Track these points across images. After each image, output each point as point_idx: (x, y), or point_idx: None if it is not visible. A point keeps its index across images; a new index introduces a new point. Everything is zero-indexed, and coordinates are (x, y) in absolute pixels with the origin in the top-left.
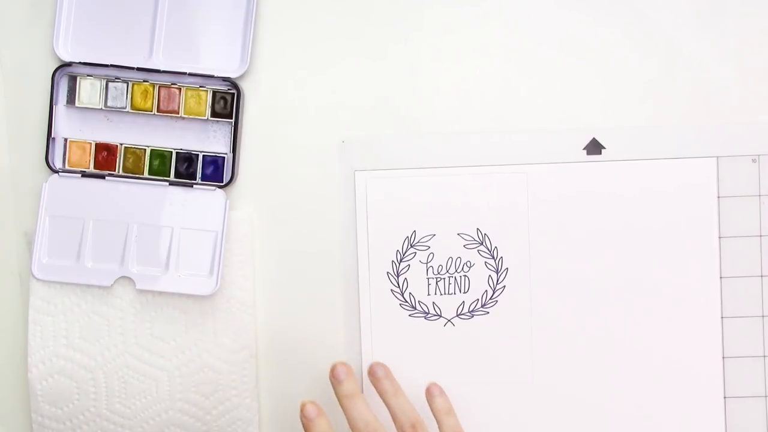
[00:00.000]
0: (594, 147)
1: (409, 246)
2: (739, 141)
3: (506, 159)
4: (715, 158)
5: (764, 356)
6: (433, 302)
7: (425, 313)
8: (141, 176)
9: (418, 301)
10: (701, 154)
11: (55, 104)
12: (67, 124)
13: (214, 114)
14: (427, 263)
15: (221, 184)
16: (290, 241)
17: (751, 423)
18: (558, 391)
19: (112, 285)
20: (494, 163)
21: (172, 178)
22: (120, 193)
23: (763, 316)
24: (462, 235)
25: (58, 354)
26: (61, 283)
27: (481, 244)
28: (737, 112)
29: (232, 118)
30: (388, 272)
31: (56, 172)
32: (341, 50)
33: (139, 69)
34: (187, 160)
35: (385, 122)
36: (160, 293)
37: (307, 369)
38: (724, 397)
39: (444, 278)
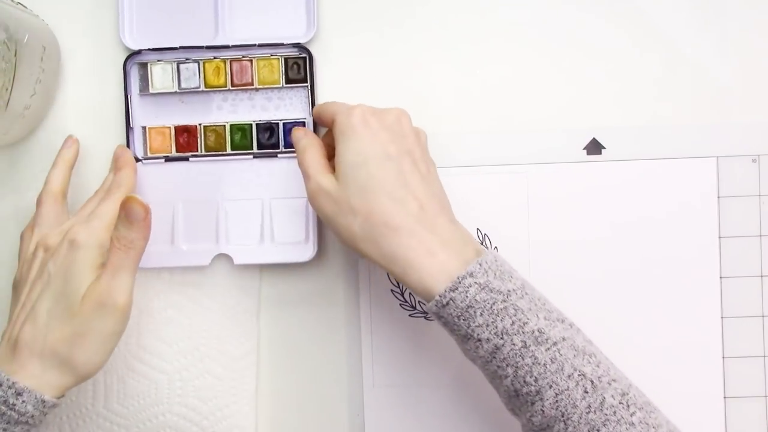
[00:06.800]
0: (594, 147)
1: None
2: (739, 141)
3: (506, 159)
4: (715, 158)
5: (764, 356)
6: None
7: (425, 313)
8: (224, 153)
9: (418, 301)
10: (701, 154)
11: (130, 94)
12: (142, 112)
13: (288, 81)
14: None
15: None
16: None
17: (751, 423)
18: None
19: (210, 263)
20: (494, 163)
21: (255, 150)
22: (205, 172)
23: (763, 316)
24: None
25: None
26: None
27: (481, 244)
28: (737, 112)
29: (306, 83)
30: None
31: (139, 160)
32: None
33: (207, 47)
34: (268, 130)
35: None
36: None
37: (307, 370)
38: (724, 397)
39: None
